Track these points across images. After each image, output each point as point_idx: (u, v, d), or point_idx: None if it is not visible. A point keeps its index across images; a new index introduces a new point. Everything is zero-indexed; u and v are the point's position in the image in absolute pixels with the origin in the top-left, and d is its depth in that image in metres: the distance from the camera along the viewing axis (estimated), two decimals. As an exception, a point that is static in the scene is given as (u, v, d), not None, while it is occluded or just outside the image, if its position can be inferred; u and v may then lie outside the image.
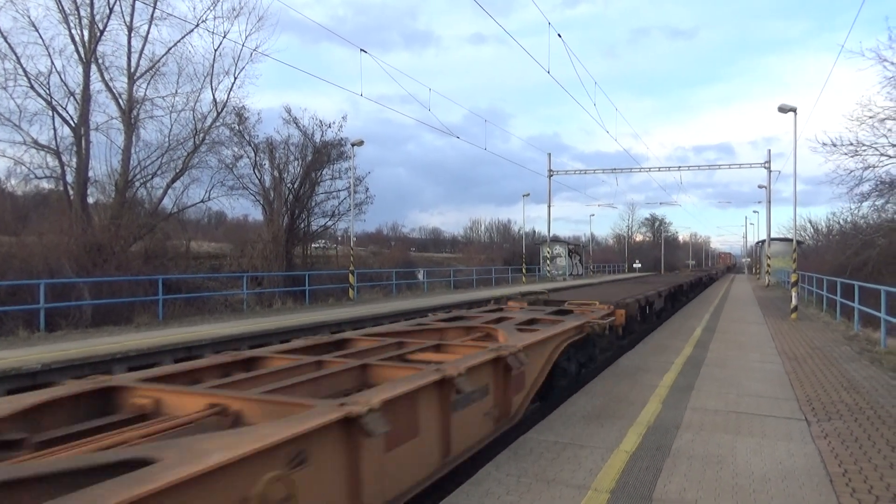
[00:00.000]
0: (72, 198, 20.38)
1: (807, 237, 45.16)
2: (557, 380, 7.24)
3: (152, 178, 22.61)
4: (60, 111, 20.31)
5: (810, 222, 46.89)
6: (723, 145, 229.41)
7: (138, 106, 22.03)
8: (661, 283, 20.25)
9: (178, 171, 22.97)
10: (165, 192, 23.04)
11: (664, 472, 4.40)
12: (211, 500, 2.36)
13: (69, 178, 20.59)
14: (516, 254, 49.03)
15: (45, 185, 21.26)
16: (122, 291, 17.19)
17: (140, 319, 15.25)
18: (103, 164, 21.59)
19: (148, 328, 13.91)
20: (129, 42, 21.67)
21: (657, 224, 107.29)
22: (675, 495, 3.99)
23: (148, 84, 22.34)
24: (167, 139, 22.81)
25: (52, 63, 20.12)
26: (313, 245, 31.20)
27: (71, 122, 20.51)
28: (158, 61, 22.32)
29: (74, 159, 20.59)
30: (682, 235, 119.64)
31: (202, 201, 25.05)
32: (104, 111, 21.51)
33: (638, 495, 3.97)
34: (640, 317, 12.95)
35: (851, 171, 24.37)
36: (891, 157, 23.65)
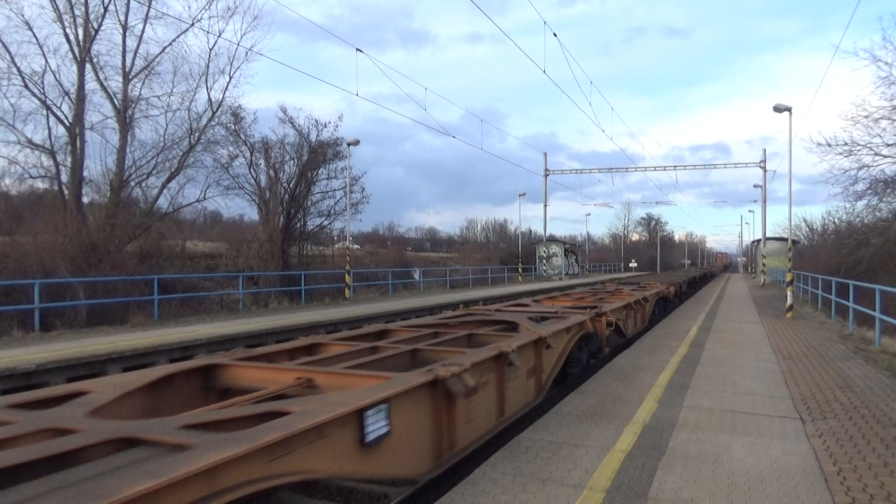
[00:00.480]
0: (66, 197, 20.29)
1: (802, 236, 45.28)
2: (654, 314, 15.17)
3: (147, 177, 22.55)
4: (55, 110, 20.24)
5: (805, 221, 47.00)
6: (719, 144, 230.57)
7: (133, 105, 21.95)
8: (683, 276, 29.76)
9: (173, 170, 22.90)
10: (161, 192, 22.98)
11: (660, 471, 4.40)
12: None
13: (64, 178, 20.50)
14: (512, 253, 49.09)
15: (40, 184, 21.17)
16: (117, 291, 17.14)
17: (135, 319, 15.21)
18: (98, 163, 21.52)
19: (143, 328, 13.87)
20: (124, 41, 21.60)
21: (653, 223, 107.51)
22: (671, 494, 3.99)
23: (143, 83, 22.27)
24: (162, 139, 22.74)
25: (47, 62, 20.04)
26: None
27: (65, 122, 20.43)
28: (153, 60, 22.25)
29: (69, 159, 20.49)
30: (678, 235, 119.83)
31: (198, 201, 24.96)
32: (99, 110, 21.44)
33: (633, 494, 3.97)
34: (678, 292, 21.08)
35: (846, 171, 24.48)
36: (885, 156, 23.74)
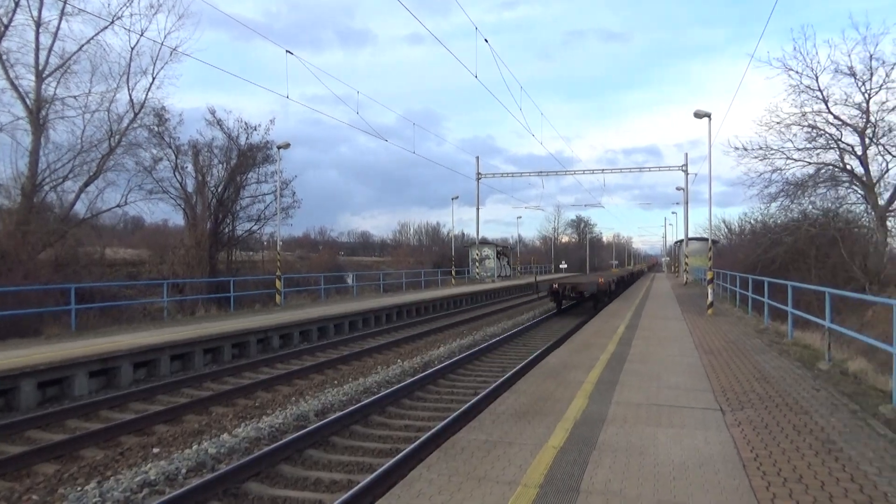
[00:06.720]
0: (-27, 202, 19.05)
1: (721, 236, 47.48)
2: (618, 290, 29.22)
3: (63, 181, 21.34)
4: (-41, 110, 18.98)
5: (724, 222, 49.36)
6: (651, 148, 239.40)
7: (47, 106, 20.77)
8: (624, 272, 41.92)
9: (91, 174, 21.78)
10: (78, 197, 21.81)
11: (590, 465, 4.52)
12: None
13: (-30, 182, 19.24)
14: (446, 256, 49.27)
15: (-57, 188, 19.79)
16: (29, 302, 16.19)
17: (50, 331, 14.41)
18: (8, 166, 20.24)
19: (59, 339, 13.15)
20: (37, 38, 20.39)
21: (582, 226, 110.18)
22: (601, 486, 4.10)
23: (58, 83, 21.08)
24: (80, 141, 21.56)
25: (-51, 59, 18.77)
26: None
27: (-29, 122, 19.17)
28: (69, 59, 21.10)
29: (-25, 161, 19.25)
30: (606, 236, 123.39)
31: (118, 206, 23.77)
32: (9, 111, 20.13)
33: (566, 488, 4.07)
34: (625, 281, 35.14)
35: (762, 174, 25.97)
36: (796, 160, 25.28)
